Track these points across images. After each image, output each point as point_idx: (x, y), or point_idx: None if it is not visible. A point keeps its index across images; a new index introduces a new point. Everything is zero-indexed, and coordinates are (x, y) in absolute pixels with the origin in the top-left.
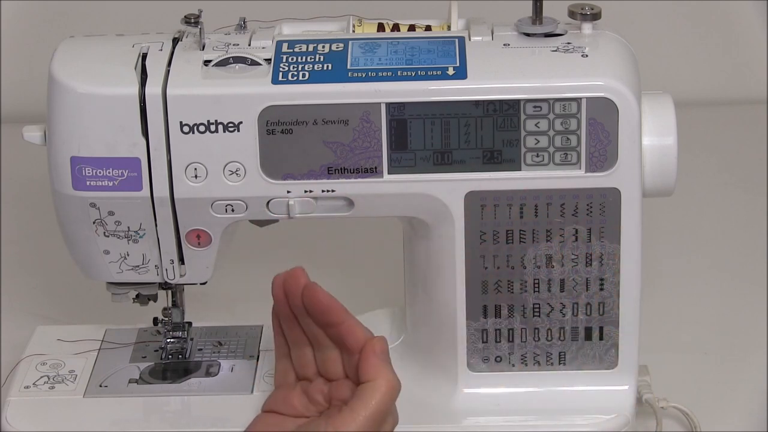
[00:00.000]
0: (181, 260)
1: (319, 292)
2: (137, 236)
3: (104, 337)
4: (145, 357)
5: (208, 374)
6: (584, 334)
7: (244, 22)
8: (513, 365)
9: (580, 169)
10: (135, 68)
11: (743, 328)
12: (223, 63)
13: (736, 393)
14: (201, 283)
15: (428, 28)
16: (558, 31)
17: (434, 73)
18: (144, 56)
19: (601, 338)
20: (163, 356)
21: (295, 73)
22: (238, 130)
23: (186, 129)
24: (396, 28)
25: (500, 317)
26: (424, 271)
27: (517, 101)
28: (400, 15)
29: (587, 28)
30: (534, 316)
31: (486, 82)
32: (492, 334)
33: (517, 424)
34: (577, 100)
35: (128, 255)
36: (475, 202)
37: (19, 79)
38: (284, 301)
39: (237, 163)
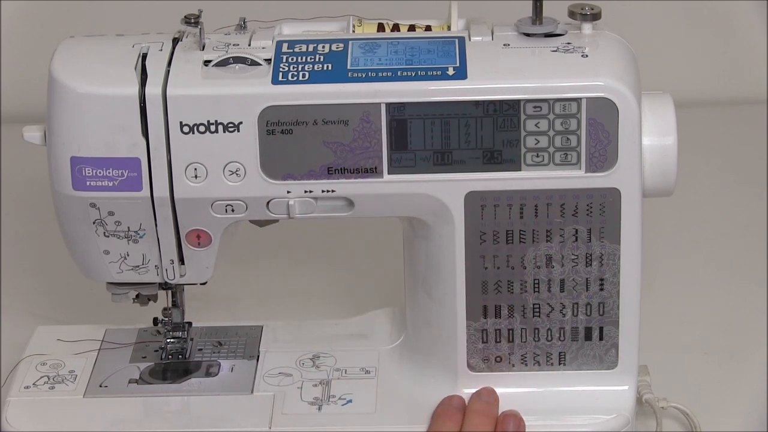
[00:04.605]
0: (181, 260)
1: None
2: (137, 236)
3: (104, 337)
4: (145, 357)
5: (208, 374)
6: (584, 334)
7: (244, 22)
8: (513, 365)
9: (580, 169)
10: (135, 68)
11: (743, 328)
12: (223, 63)
13: (736, 393)
14: (201, 283)
15: (428, 28)
16: (558, 31)
17: (434, 73)
18: (144, 56)
19: (601, 338)
20: (163, 356)
21: (295, 73)
22: (238, 131)
23: (186, 129)
24: (396, 28)
25: (500, 317)
26: (424, 271)
27: (517, 101)
28: (400, 15)
29: (587, 28)
30: (534, 316)
31: (486, 82)
32: (492, 335)
33: None
34: (577, 100)
35: (128, 255)
36: (475, 202)
37: (19, 79)
38: None
39: (237, 164)
